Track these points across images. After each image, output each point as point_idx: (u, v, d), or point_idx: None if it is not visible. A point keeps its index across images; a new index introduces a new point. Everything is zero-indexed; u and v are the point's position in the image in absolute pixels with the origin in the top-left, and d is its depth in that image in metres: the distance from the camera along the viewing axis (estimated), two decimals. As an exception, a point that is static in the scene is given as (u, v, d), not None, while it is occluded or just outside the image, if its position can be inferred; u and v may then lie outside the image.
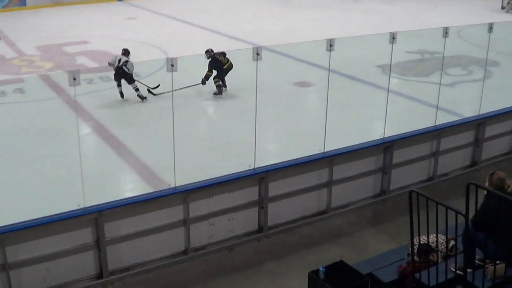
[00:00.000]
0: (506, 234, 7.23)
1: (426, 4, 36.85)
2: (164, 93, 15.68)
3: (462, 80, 19.22)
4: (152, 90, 16.43)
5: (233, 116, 15.46)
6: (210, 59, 16.60)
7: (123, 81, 16.29)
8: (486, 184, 7.73)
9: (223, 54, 16.84)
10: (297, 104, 16.64)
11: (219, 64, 16.64)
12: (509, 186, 7.69)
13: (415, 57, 21.72)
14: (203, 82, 16.61)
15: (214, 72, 16.59)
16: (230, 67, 16.70)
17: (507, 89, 15.48)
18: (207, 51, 16.82)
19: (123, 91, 16.40)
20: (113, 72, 16.35)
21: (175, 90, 16.31)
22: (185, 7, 34.02)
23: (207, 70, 16.47)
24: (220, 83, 16.63)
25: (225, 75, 16.78)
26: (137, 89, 16.38)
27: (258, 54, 9.20)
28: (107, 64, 16.56)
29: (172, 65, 8.46)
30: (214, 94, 16.66)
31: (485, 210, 7.36)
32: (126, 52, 16.68)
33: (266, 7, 35.17)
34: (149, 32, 26.59)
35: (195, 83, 16.57)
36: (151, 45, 22.95)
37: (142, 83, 16.53)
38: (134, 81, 16.41)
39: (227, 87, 16.89)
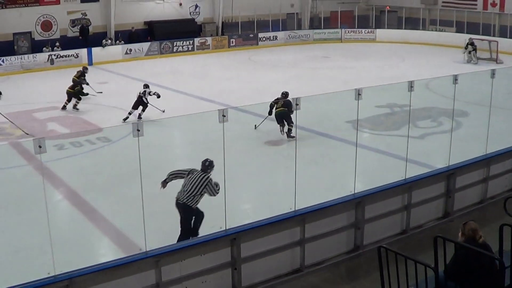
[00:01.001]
0: (475, 284, 7.24)
1: (393, 59, 37.46)
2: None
3: (432, 132, 19.47)
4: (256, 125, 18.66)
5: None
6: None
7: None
8: (459, 234, 7.78)
9: (282, 98, 18.46)
10: (269, 163, 16.69)
11: (272, 109, 18.22)
12: (480, 237, 7.73)
13: (384, 111, 21.98)
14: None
15: None
16: (279, 112, 18.18)
17: (476, 139, 15.63)
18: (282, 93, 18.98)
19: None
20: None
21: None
22: (154, 70, 34.11)
23: None
24: (281, 128, 18.37)
25: (279, 120, 18.36)
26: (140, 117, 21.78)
27: (224, 116, 9.26)
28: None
29: (138, 130, 8.47)
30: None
31: (455, 261, 7.40)
32: (146, 86, 22.51)
33: (235, 68, 35.40)
34: (120, 96, 26.55)
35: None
36: (122, 109, 22.93)
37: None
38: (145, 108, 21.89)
39: (290, 134, 18.15)
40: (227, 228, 9.93)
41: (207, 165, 11.40)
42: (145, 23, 41.18)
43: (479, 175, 13.99)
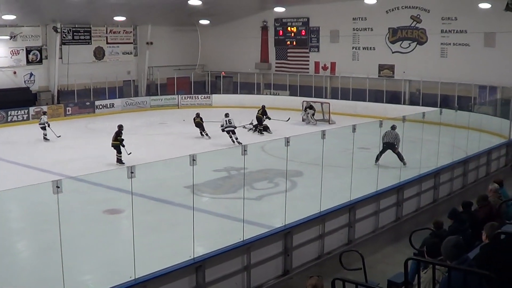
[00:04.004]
0: None
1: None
2: None
3: (269, 193, 19.99)
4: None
5: (41, 251, 15.06)
6: None
7: None
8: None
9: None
10: (107, 232, 16.49)
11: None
12: (318, 294, 8.00)
13: (222, 175, 22.34)
14: None
15: None
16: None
17: (311, 197, 16.20)
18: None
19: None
20: None
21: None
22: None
23: None
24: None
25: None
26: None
27: (58, 187, 9.16)
28: None
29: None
30: None
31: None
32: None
33: (71, 136, 34.64)
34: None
35: None
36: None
37: None
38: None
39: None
40: (66, 301, 9.76)
41: (395, 127, 22.76)
42: (-23, 92, 39.74)
43: (315, 232, 14.51)
